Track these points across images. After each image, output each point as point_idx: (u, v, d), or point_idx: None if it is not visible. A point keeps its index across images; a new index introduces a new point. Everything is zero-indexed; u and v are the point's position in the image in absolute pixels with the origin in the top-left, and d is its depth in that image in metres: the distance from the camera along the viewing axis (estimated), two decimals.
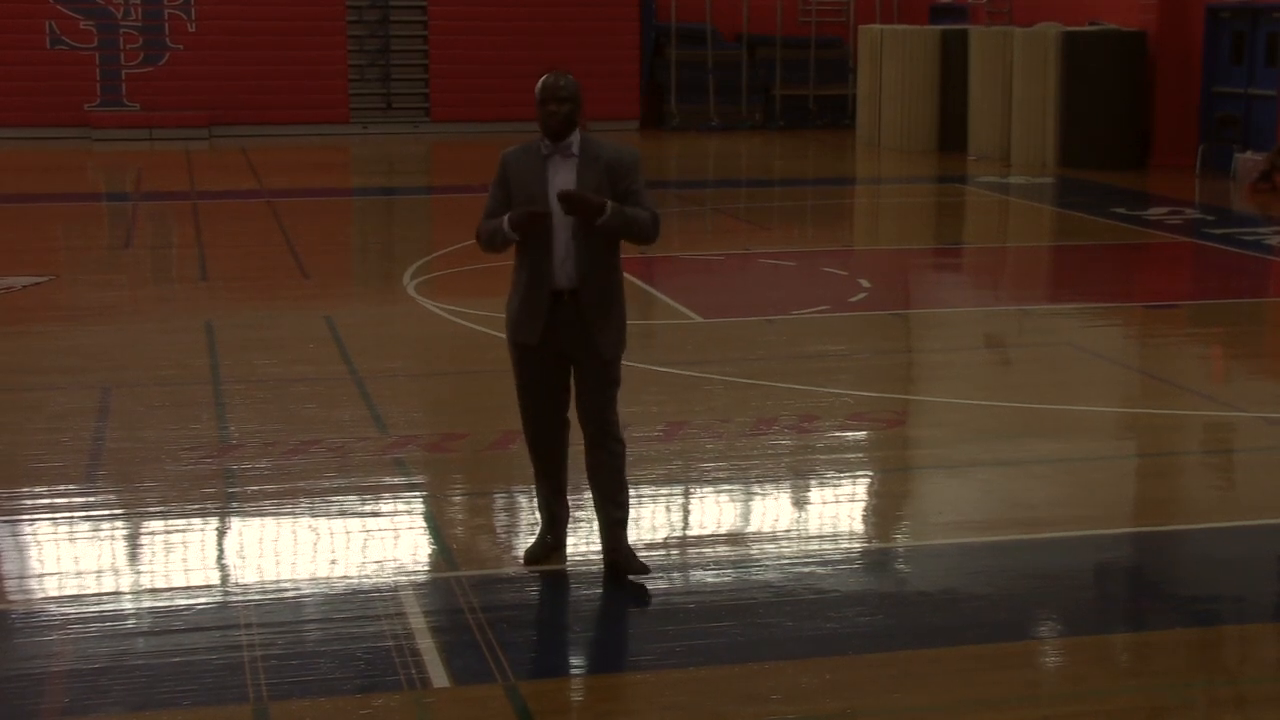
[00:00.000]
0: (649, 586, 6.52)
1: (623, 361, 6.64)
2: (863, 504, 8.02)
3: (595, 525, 6.88)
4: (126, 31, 27.00)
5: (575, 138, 6.46)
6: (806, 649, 5.94)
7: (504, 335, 6.69)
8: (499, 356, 11.28)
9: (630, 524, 6.74)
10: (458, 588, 6.59)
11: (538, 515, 7.01)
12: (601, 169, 6.45)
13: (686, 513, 7.70)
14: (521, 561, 6.81)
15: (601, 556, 6.73)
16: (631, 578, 6.56)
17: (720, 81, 29.44)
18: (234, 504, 7.71)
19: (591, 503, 6.73)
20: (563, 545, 6.91)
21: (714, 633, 6.11)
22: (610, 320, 6.51)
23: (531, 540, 6.93)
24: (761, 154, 26.37)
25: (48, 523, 7.46)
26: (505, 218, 6.42)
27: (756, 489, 8.03)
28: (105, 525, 7.40)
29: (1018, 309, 13.25)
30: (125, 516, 7.53)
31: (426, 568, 6.89)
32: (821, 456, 8.55)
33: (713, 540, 7.24)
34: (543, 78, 6.49)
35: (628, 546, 6.66)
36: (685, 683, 5.72)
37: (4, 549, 7.16)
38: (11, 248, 16.10)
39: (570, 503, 6.93)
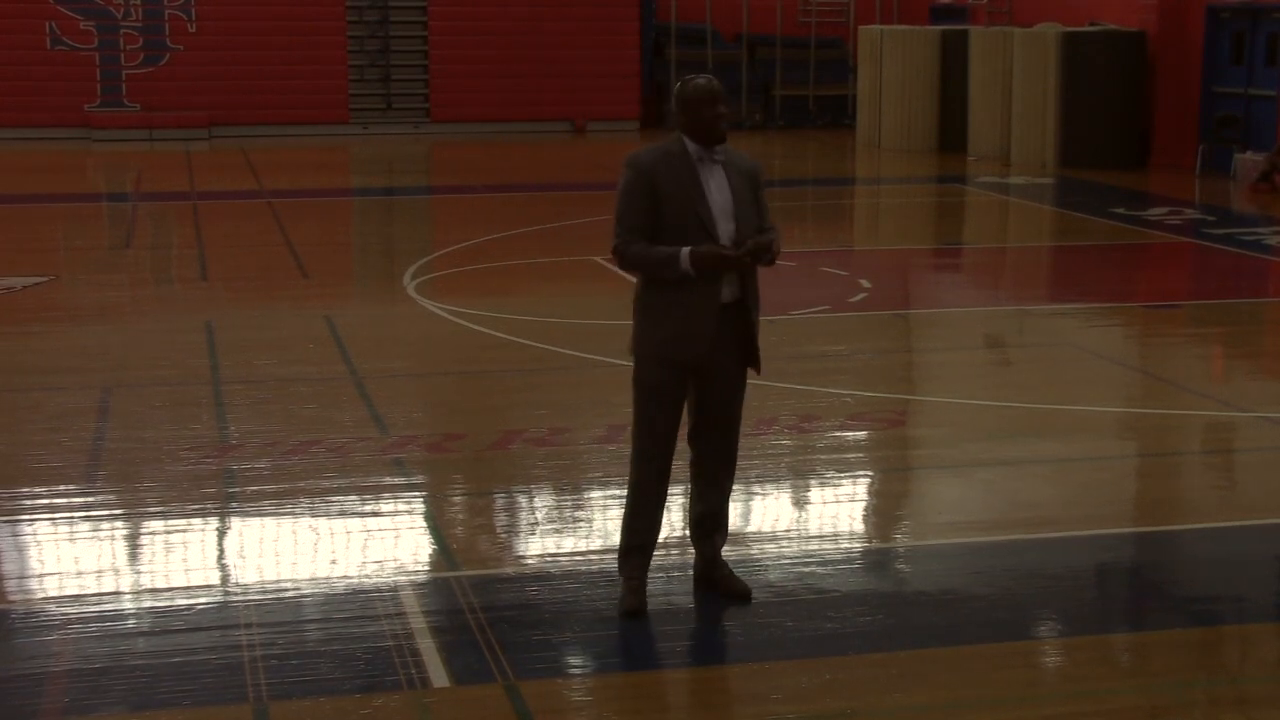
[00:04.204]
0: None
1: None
2: (863, 504, 8.01)
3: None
4: (126, 32, 26.99)
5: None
6: (806, 649, 5.94)
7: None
8: (499, 356, 11.35)
9: None
10: (458, 588, 6.58)
11: (617, 568, 6.40)
12: (747, 178, 6.12)
13: (687, 513, 7.67)
14: (620, 613, 6.26)
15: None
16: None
17: (720, 81, 29.35)
18: (234, 504, 7.71)
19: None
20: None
21: (714, 633, 6.10)
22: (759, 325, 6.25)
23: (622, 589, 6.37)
24: (761, 154, 26.31)
25: (48, 523, 7.46)
26: (684, 255, 5.88)
27: (756, 489, 8.02)
28: (105, 525, 7.39)
29: (1018, 309, 13.24)
30: (125, 516, 7.52)
31: (426, 568, 6.89)
32: (821, 456, 8.55)
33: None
34: (692, 81, 6.09)
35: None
36: (685, 683, 5.72)
37: (4, 549, 7.16)
38: (11, 248, 16.10)
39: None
